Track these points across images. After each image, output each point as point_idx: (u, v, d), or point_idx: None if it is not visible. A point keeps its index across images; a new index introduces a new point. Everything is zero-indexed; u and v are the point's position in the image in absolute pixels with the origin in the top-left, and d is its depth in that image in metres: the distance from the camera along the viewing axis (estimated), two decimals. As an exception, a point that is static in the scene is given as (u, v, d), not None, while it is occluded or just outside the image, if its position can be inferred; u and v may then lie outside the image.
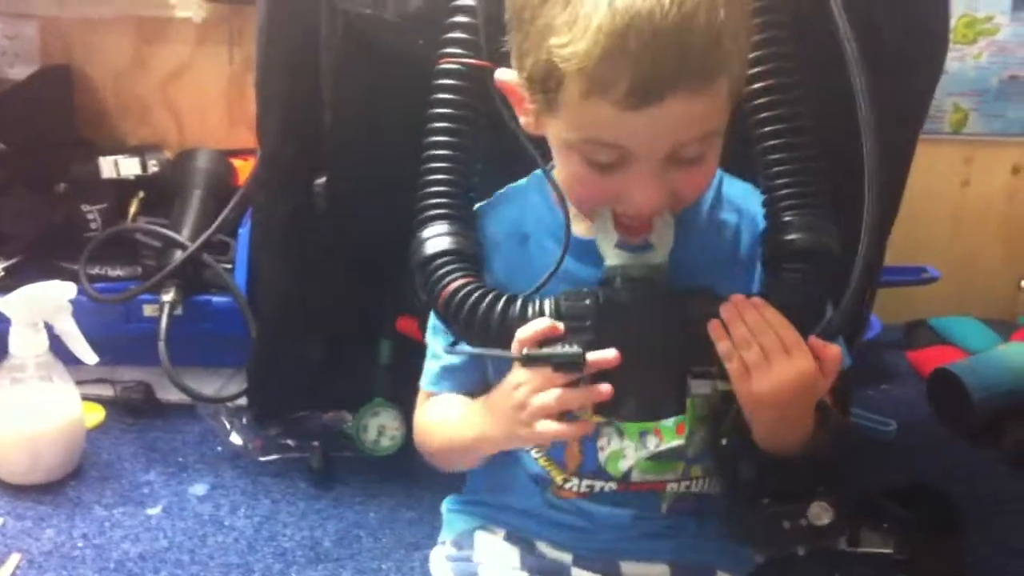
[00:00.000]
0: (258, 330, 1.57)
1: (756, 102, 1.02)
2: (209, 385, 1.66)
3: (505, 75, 1.00)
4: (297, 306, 1.48)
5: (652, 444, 1.04)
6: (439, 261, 1.04)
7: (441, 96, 1.08)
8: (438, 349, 1.11)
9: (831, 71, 0.97)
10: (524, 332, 0.96)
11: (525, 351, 0.96)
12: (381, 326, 1.49)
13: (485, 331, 1.00)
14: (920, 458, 1.70)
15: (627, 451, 1.05)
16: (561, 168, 0.98)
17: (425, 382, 1.15)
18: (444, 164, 1.07)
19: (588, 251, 1.02)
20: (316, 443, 1.54)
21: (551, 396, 0.96)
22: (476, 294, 1.01)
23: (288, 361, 1.52)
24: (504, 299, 1.00)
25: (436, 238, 1.05)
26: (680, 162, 0.93)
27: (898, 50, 1.20)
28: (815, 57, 1.02)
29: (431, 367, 1.13)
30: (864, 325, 1.55)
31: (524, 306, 0.99)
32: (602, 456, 1.06)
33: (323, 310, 1.46)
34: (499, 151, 1.07)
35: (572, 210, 1.03)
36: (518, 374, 0.99)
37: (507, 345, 0.98)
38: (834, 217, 1.03)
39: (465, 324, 1.01)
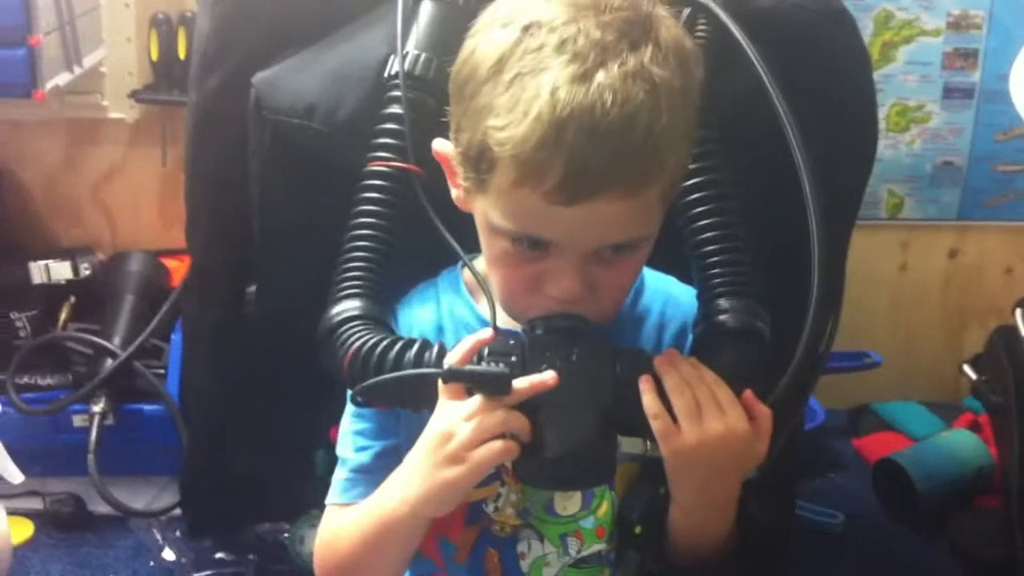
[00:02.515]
0: (189, 439, 1.54)
1: (688, 198, 1.02)
2: (142, 496, 1.63)
3: (441, 146, 0.98)
4: (227, 415, 1.44)
5: (574, 549, 1.01)
6: (347, 326, 1.00)
7: (365, 195, 1.07)
8: (347, 454, 1.06)
9: (761, 165, 0.99)
10: (455, 352, 0.93)
11: (447, 366, 0.91)
12: (315, 436, 1.45)
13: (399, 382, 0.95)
14: (866, 551, 1.70)
15: (550, 558, 1.02)
16: (486, 248, 0.96)
17: (332, 495, 1.06)
18: (361, 254, 1.05)
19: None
20: (252, 556, 1.50)
21: (484, 418, 0.89)
22: (386, 342, 0.97)
23: (221, 471, 1.48)
24: (419, 342, 0.96)
25: (344, 310, 1.02)
26: (604, 261, 0.91)
27: (826, 144, 1.22)
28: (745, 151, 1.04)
29: (339, 476, 1.06)
30: (801, 415, 1.54)
31: (443, 350, 0.95)
32: (524, 565, 1.02)
33: (254, 419, 1.42)
34: (427, 247, 1.05)
35: (483, 304, 1.01)
36: (441, 409, 0.93)
37: (426, 396, 0.93)
38: (765, 306, 1.02)
39: (376, 373, 0.97)
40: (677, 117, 0.86)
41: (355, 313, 1.02)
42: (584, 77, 0.83)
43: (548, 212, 0.86)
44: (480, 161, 0.89)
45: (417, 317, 1.07)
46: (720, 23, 1.07)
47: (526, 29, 0.86)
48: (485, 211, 0.92)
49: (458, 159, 0.94)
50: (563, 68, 0.83)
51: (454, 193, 0.98)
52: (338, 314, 1.02)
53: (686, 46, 0.91)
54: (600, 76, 0.83)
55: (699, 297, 1.04)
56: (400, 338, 0.98)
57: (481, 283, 0.98)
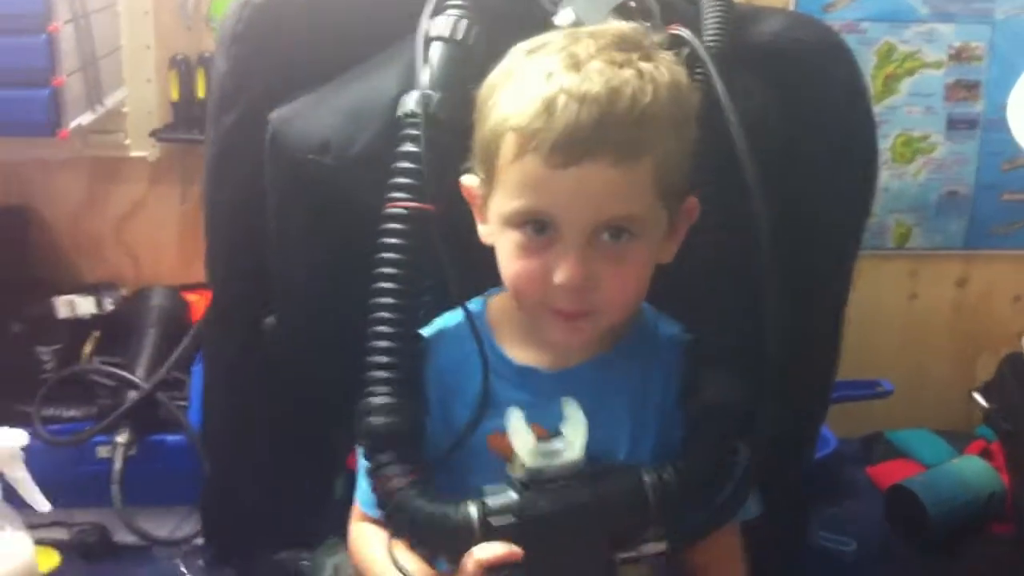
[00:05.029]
0: (210, 469, 1.56)
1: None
2: (165, 524, 1.65)
3: (467, 180, 1.06)
4: (248, 444, 1.47)
5: None
6: (380, 448, 1.05)
7: (386, 240, 1.10)
8: None
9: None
10: (482, 553, 0.97)
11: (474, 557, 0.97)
12: (335, 463, 1.48)
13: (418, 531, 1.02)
14: (878, 578, 1.71)
15: None
16: (501, 256, 1.03)
17: (361, 501, 1.14)
18: (390, 313, 1.08)
19: (524, 376, 1.06)
20: (273, 584, 1.52)
21: None
22: (412, 494, 1.02)
23: (242, 499, 1.51)
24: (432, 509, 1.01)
25: (378, 414, 1.05)
26: (603, 251, 0.97)
27: (828, 177, 1.25)
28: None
29: (364, 484, 1.11)
30: (813, 442, 1.56)
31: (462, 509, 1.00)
32: None
33: (273, 448, 1.45)
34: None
35: (506, 338, 1.07)
36: None
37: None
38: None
39: (395, 519, 1.04)
40: (664, 102, 0.96)
41: (388, 429, 1.05)
42: (577, 65, 0.95)
43: (546, 179, 0.95)
44: (489, 149, 0.99)
45: (447, 352, 1.11)
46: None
47: (534, 50, 1.00)
48: (497, 209, 1.01)
49: (477, 170, 1.03)
50: (560, 62, 0.96)
51: (481, 231, 1.06)
52: (374, 419, 1.05)
53: (682, 75, 1.01)
54: (592, 64, 0.95)
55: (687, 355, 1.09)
56: (420, 498, 1.02)
57: (474, 326, 1.06)
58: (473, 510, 0.99)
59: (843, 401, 1.88)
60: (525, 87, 0.96)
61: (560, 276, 0.97)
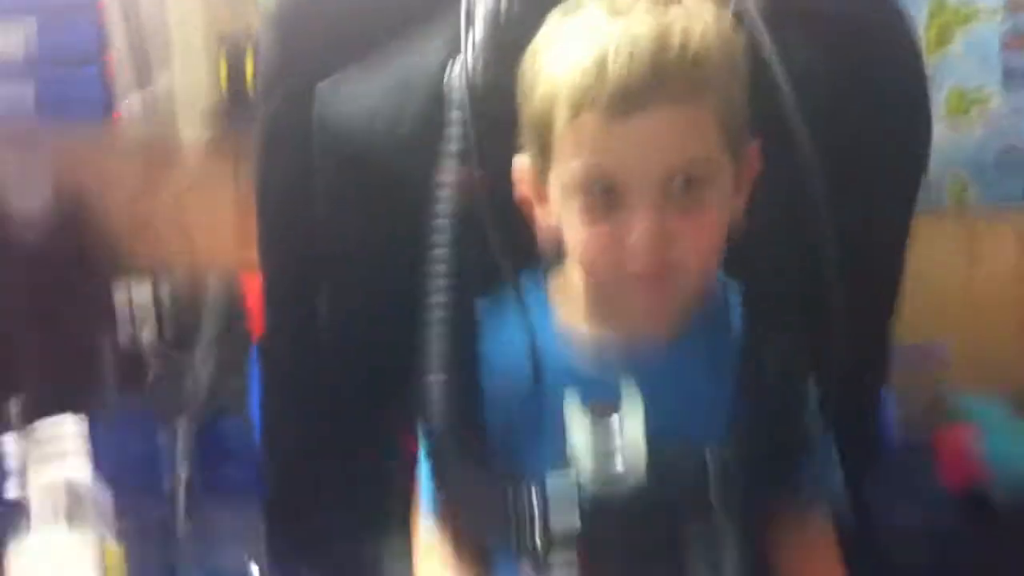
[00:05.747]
0: (268, 455, 1.54)
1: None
2: (229, 513, 1.65)
3: (519, 162, 1.04)
4: (305, 428, 1.45)
5: None
6: (442, 431, 1.05)
7: (437, 210, 1.09)
8: None
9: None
10: None
11: None
12: (391, 445, 1.47)
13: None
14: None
15: None
16: (568, 231, 1.00)
17: (425, 506, 1.13)
18: (445, 284, 1.07)
19: (588, 348, 1.04)
20: None
21: None
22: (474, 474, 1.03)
23: (302, 490, 1.49)
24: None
25: (436, 395, 1.05)
26: (676, 205, 0.94)
27: (880, 136, 1.23)
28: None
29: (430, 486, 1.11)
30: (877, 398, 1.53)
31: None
32: None
33: (333, 431, 1.43)
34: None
35: (573, 310, 1.05)
36: None
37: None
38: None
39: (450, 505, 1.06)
40: (716, 41, 0.94)
41: (449, 421, 1.05)
42: (619, 12, 0.93)
43: (607, 136, 0.92)
44: (541, 120, 0.96)
45: (503, 324, 1.09)
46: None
47: (571, 10, 0.98)
48: (557, 180, 0.98)
49: (528, 146, 1.00)
50: (602, 14, 0.94)
51: (539, 217, 1.03)
52: (437, 407, 1.05)
53: (726, 16, 0.98)
54: (635, 8, 0.93)
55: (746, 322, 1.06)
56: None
57: (520, 297, 1.04)
58: (536, 541, 0.98)
59: (903, 367, 1.84)
60: (570, 46, 0.94)
61: (635, 234, 0.93)
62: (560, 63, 0.94)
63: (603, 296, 1.03)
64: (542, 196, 1.02)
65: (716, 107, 0.94)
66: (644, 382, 1.00)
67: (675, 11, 0.93)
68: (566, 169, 0.96)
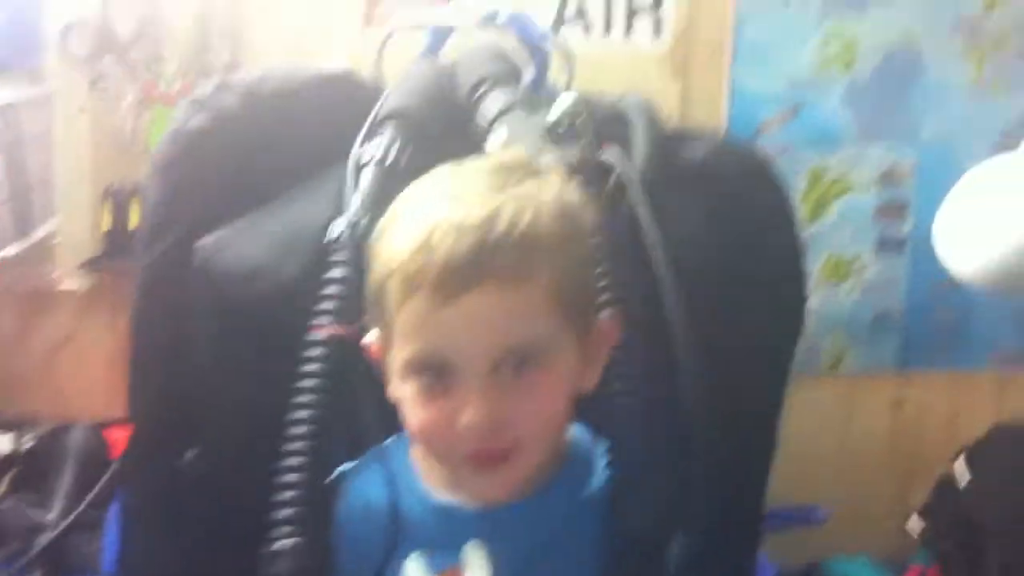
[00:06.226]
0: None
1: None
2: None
3: (368, 337, 1.02)
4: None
5: None
6: None
7: (304, 369, 1.08)
8: None
9: None
10: None
11: None
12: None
13: None
14: None
15: None
16: (405, 411, 0.98)
17: None
18: (300, 448, 1.06)
19: (447, 514, 1.01)
20: None
21: None
22: None
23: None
24: None
25: (281, 562, 1.04)
26: (509, 386, 0.93)
27: (756, 301, 1.25)
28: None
29: None
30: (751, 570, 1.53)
31: None
32: None
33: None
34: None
35: (433, 475, 1.03)
36: None
37: None
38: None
39: None
40: (548, 221, 0.93)
41: None
42: (455, 197, 0.93)
43: (435, 319, 0.91)
44: (379, 298, 0.96)
45: (361, 491, 1.07)
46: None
47: (417, 189, 0.98)
48: (394, 361, 0.96)
49: (375, 321, 0.99)
50: (439, 196, 0.94)
51: (390, 389, 1.01)
52: (279, 572, 1.04)
53: (570, 192, 0.98)
54: (469, 193, 0.93)
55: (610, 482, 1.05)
56: None
57: (383, 462, 1.04)
58: None
59: (779, 528, 1.86)
60: (404, 228, 0.94)
61: (466, 418, 0.92)
62: (393, 243, 0.94)
63: (446, 469, 1.02)
64: (388, 370, 1.01)
65: (549, 287, 0.93)
66: (499, 545, 0.98)
67: (508, 194, 0.93)
68: (400, 352, 0.95)
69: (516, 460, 0.96)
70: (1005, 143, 2.07)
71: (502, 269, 0.90)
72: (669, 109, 2.09)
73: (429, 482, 1.04)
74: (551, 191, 0.96)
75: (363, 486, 1.07)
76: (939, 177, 2.06)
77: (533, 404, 0.94)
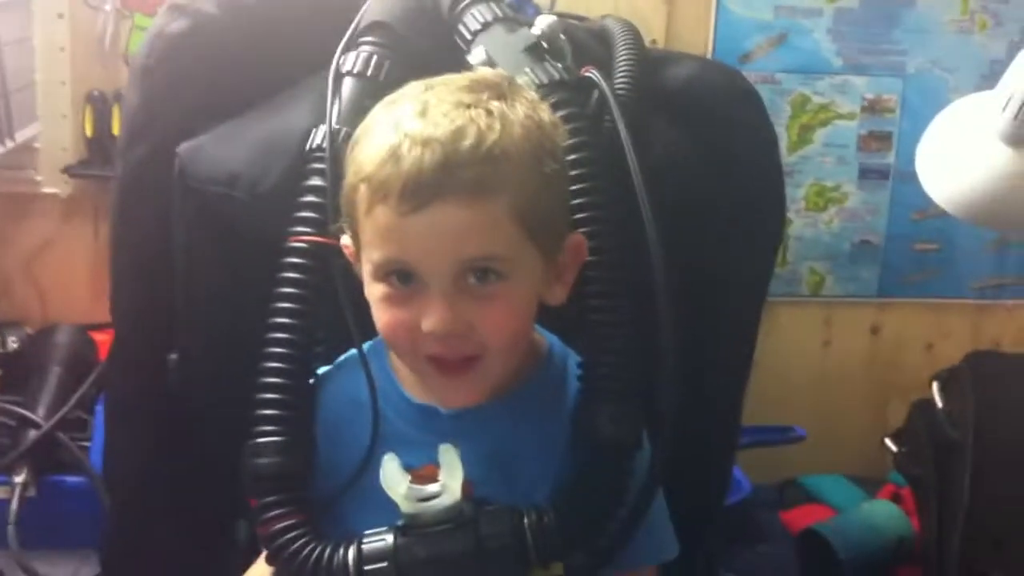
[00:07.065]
0: (110, 511, 1.52)
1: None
2: (63, 568, 1.60)
3: (344, 239, 1.03)
4: (149, 486, 1.43)
5: None
6: (264, 490, 1.05)
7: (284, 275, 1.09)
8: None
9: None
10: None
11: None
12: (237, 505, 1.45)
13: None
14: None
15: None
16: (373, 310, 1.00)
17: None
18: (282, 350, 1.07)
19: (424, 415, 1.04)
20: (173, 629, 1.47)
21: None
22: (291, 537, 1.02)
23: (142, 542, 1.46)
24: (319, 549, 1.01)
25: (264, 456, 1.05)
26: (471, 294, 0.95)
27: (734, 222, 1.26)
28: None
29: None
30: (724, 485, 1.56)
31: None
32: None
33: (176, 490, 1.41)
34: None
35: (408, 377, 1.05)
36: None
37: None
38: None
39: (277, 561, 1.04)
40: (516, 139, 0.94)
41: (272, 471, 1.05)
42: (424, 112, 0.94)
43: (401, 227, 0.93)
44: (349, 205, 0.98)
45: (341, 387, 1.10)
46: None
47: (391, 102, 0.98)
48: (364, 263, 0.98)
49: (347, 229, 1.01)
50: (410, 110, 0.95)
51: (365, 289, 1.02)
52: (260, 463, 1.06)
53: (542, 111, 1.00)
54: (439, 108, 0.94)
55: (581, 391, 1.06)
56: (304, 537, 1.02)
57: (364, 361, 1.05)
58: (350, 555, 0.98)
59: (756, 446, 1.89)
60: (375, 139, 0.95)
61: (428, 323, 0.94)
62: (364, 154, 0.96)
63: (414, 373, 1.04)
64: (361, 275, 1.02)
65: (513, 203, 0.94)
66: (472, 444, 1.00)
67: (476, 112, 0.94)
68: (368, 256, 0.98)
69: (478, 367, 0.98)
70: (990, 77, 2.07)
71: (466, 183, 0.92)
72: (656, 34, 2.10)
73: (405, 385, 1.06)
74: (521, 110, 0.96)
75: (345, 384, 1.09)
76: (923, 109, 2.09)
77: (493, 314, 0.96)
